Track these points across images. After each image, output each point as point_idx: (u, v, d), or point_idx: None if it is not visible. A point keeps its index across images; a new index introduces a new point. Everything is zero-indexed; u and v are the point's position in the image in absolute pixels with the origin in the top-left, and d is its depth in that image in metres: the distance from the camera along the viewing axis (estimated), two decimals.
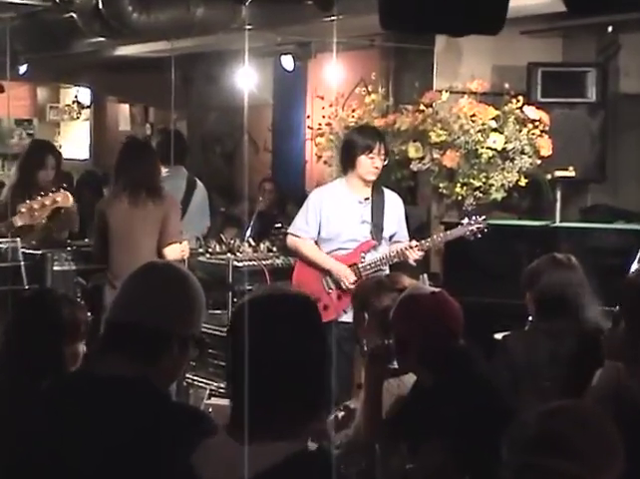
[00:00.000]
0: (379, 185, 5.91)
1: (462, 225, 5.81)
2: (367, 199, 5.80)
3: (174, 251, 5.78)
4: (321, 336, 2.32)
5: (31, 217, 4.78)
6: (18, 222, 4.79)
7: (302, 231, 5.83)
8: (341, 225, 5.78)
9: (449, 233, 5.88)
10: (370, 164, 5.71)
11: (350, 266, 5.74)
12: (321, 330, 2.34)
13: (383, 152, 5.75)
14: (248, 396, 2.19)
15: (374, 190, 5.83)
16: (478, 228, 5.78)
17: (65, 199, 4.95)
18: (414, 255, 5.67)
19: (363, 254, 5.75)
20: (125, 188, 5.81)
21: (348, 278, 5.68)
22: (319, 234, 5.80)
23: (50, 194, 4.89)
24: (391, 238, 5.86)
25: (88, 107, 13.96)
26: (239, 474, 2.10)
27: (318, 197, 5.89)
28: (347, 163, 5.85)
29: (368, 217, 5.78)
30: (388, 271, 5.71)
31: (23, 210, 4.75)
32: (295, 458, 2.15)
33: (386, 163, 5.84)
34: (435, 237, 5.89)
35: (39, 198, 4.84)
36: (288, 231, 5.99)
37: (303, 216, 5.86)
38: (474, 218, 5.84)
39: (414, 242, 5.74)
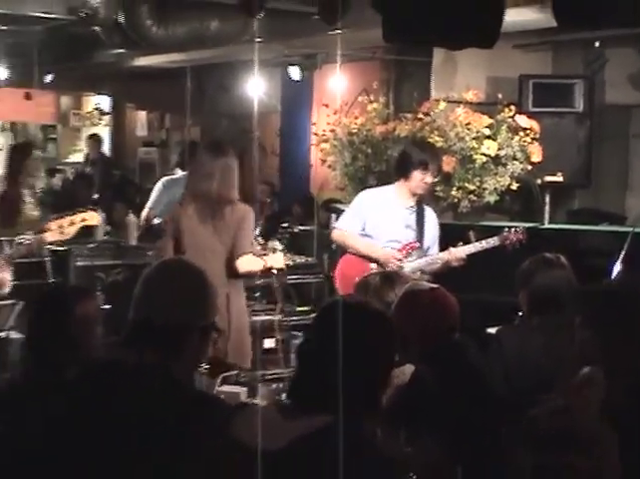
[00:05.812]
0: (422, 200, 5.78)
1: (503, 234, 5.61)
2: (412, 207, 5.69)
3: (248, 263, 5.08)
4: (392, 349, 2.47)
5: (61, 234, 4.74)
6: (49, 238, 4.75)
7: (346, 225, 5.74)
8: (386, 225, 5.63)
9: (489, 240, 5.62)
10: (421, 179, 5.58)
11: None
12: (394, 345, 2.48)
13: (435, 170, 5.62)
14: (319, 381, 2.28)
15: (418, 202, 5.71)
16: (518, 238, 5.60)
17: (93, 218, 4.88)
18: (456, 256, 5.53)
19: (408, 253, 5.59)
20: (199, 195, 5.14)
21: (395, 257, 5.54)
22: (363, 230, 5.67)
23: (78, 212, 4.83)
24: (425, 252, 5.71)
25: (108, 113, 13.99)
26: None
27: (365, 197, 5.79)
28: (399, 173, 5.70)
29: (413, 222, 5.66)
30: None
31: (53, 227, 4.70)
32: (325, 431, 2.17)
33: (436, 179, 5.77)
34: (473, 245, 5.62)
35: (67, 217, 4.80)
36: (334, 225, 5.92)
37: (349, 212, 5.80)
38: (514, 228, 5.66)
39: (457, 248, 5.58)
